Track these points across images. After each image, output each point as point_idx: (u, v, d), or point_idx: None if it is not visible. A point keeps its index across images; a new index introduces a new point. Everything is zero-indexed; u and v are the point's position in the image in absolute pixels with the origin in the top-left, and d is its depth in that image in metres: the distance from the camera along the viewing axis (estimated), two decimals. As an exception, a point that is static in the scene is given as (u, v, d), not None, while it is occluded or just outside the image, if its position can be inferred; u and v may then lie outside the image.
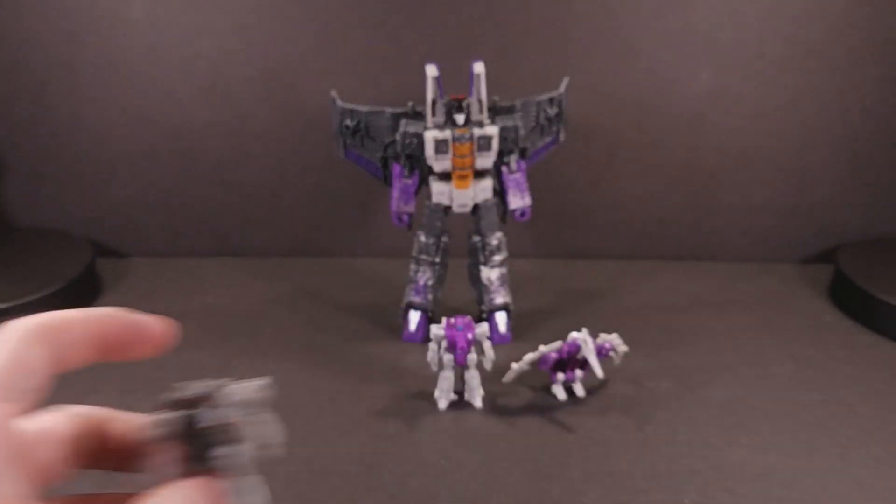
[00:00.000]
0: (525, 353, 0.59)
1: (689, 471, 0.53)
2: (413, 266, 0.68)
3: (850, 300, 0.75)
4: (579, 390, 0.61)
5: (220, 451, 0.19)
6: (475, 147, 0.63)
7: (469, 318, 0.58)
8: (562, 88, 0.67)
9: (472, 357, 0.57)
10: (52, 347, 0.19)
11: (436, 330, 0.57)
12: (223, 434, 0.19)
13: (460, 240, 0.70)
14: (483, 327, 0.58)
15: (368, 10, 0.75)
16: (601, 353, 0.60)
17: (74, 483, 0.21)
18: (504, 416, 0.59)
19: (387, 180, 0.67)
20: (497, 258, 0.68)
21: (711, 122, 0.80)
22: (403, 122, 0.64)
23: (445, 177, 0.65)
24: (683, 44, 0.76)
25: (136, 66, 0.78)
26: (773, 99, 0.78)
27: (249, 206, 0.85)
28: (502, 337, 0.69)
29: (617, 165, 0.82)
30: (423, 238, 0.68)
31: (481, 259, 0.68)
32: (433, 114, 0.62)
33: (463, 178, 0.64)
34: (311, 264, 0.86)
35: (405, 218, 0.67)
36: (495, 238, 0.68)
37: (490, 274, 0.68)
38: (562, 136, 0.70)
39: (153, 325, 0.22)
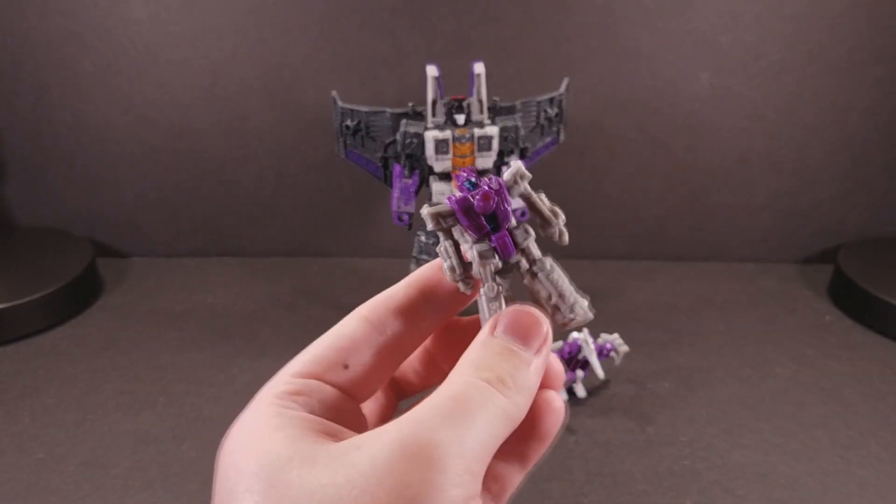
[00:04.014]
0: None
1: (691, 471, 0.53)
2: (413, 266, 0.68)
3: (850, 300, 0.75)
4: (580, 391, 0.61)
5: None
6: (475, 147, 0.63)
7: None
8: (562, 88, 0.67)
9: None
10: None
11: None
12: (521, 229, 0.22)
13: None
14: None
15: (369, 10, 0.75)
16: (602, 353, 0.61)
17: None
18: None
19: (387, 180, 0.67)
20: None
21: (711, 123, 0.80)
22: (404, 122, 0.64)
23: (446, 177, 0.65)
24: (683, 44, 0.76)
25: (136, 66, 0.78)
26: (773, 99, 0.78)
27: (249, 206, 0.85)
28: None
29: (617, 165, 0.82)
30: (423, 238, 0.68)
31: None
32: (433, 114, 0.62)
33: (463, 178, 0.64)
34: (311, 264, 0.86)
35: (405, 218, 0.67)
36: (495, 238, 0.67)
37: None
38: (562, 137, 0.70)
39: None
